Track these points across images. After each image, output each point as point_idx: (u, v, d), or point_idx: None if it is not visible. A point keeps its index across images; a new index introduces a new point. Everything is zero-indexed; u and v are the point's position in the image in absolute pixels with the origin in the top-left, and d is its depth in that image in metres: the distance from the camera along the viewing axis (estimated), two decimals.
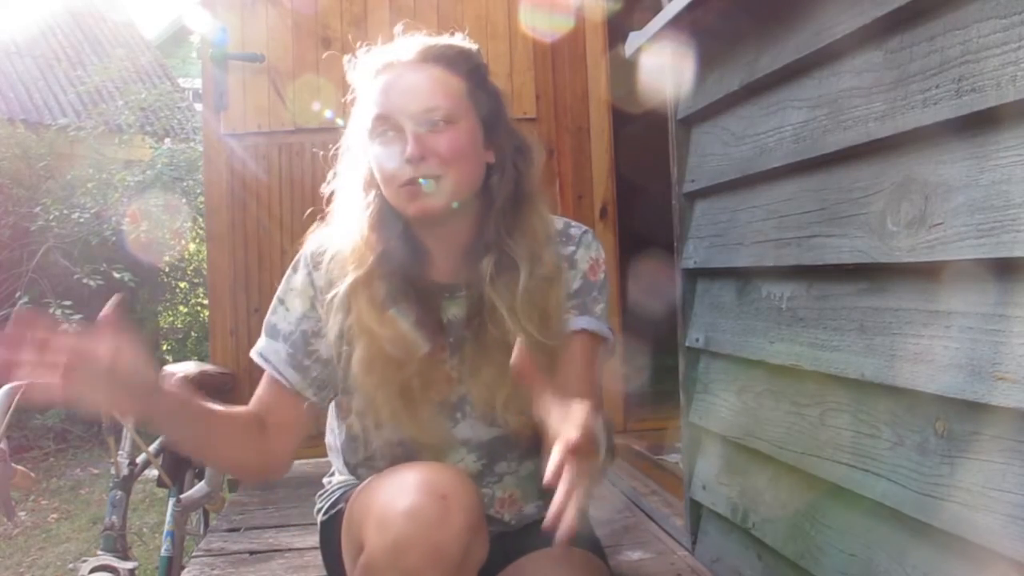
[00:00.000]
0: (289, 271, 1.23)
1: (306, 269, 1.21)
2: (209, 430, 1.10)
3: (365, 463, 1.25)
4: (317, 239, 1.23)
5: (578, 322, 1.22)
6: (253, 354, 1.23)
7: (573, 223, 1.28)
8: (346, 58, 1.22)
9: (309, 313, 1.20)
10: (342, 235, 1.20)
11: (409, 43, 1.17)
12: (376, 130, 1.14)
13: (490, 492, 1.24)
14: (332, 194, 1.24)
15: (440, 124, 1.12)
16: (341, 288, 1.16)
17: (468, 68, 1.18)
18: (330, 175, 1.25)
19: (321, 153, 1.27)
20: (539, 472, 1.27)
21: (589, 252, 1.25)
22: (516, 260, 1.16)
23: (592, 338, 1.23)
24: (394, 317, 1.15)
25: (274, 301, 1.24)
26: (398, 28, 1.20)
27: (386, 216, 1.17)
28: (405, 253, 1.17)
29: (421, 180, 1.10)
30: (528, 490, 1.27)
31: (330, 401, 1.26)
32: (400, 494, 1.00)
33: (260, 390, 1.21)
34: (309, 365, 1.19)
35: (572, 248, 1.24)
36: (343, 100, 1.25)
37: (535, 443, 1.22)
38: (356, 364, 1.15)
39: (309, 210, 1.25)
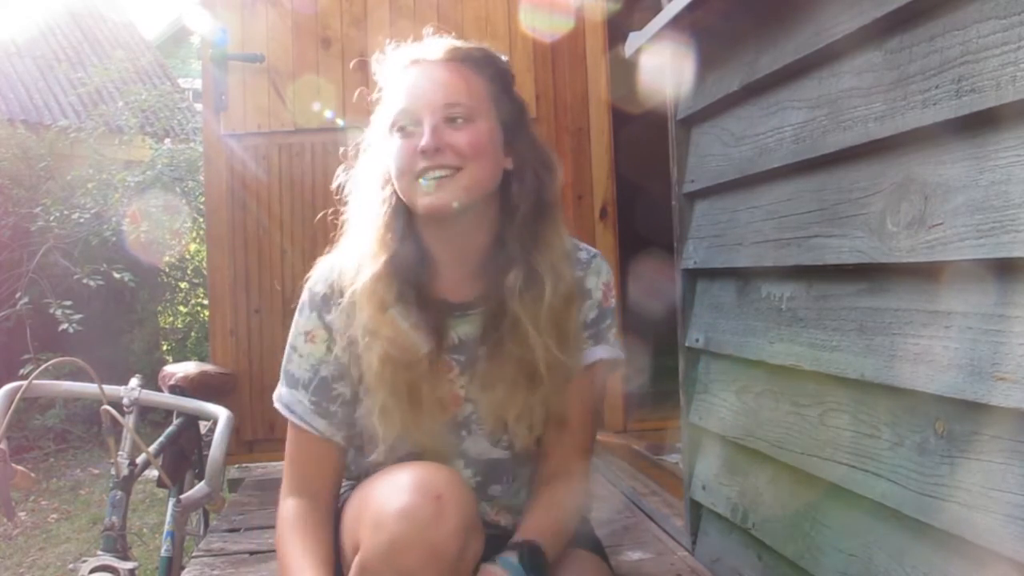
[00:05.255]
0: (296, 315, 1.21)
1: (315, 312, 1.18)
2: None
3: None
4: (323, 273, 1.19)
5: (595, 352, 1.23)
6: (276, 403, 1.21)
7: (581, 245, 1.27)
8: (375, 56, 1.21)
9: (326, 357, 1.18)
10: (356, 254, 1.17)
11: (438, 43, 1.18)
12: (397, 123, 1.14)
13: (481, 509, 1.22)
14: (346, 195, 1.22)
15: (459, 121, 1.12)
16: (349, 291, 1.15)
17: (493, 72, 1.18)
18: (339, 171, 1.23)
19: (335, 151, 1.25)
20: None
21: (600, 278, 1.25)
22: (542, 275, 1.15)
23: (605, 364, 1.24)
24: (393, 317, 1.14)
25: (287, 349, 1.22)
26: (427, 30, 1.21)
27: (399, 216, 1.17)
28: (414, 259, 1.16)
29: (438, 172, 1.10)
30: (520, 512, 1.25)
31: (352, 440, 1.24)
32: (394, 494, 1.01)
33: (291, 447, 1.21)
34: (335, 410, 1.18)
35: (580, 274, 1.23)
36: (370, 99, 1.22)
37: (534, 471, 1.22)
38: (366, 366, 1.15)
39: (320, 213, 1.24)
